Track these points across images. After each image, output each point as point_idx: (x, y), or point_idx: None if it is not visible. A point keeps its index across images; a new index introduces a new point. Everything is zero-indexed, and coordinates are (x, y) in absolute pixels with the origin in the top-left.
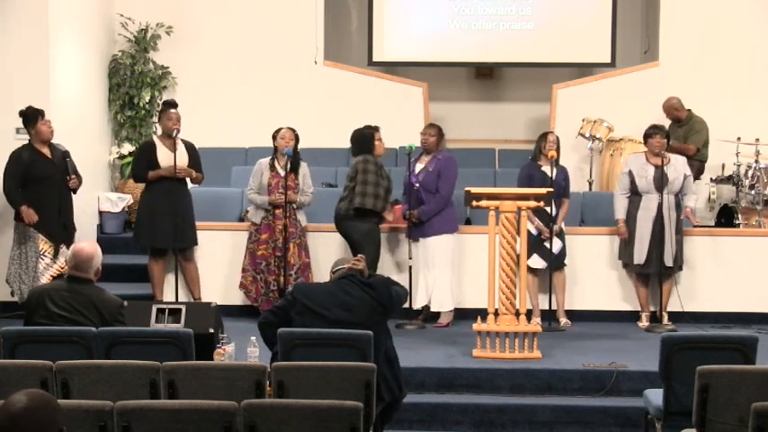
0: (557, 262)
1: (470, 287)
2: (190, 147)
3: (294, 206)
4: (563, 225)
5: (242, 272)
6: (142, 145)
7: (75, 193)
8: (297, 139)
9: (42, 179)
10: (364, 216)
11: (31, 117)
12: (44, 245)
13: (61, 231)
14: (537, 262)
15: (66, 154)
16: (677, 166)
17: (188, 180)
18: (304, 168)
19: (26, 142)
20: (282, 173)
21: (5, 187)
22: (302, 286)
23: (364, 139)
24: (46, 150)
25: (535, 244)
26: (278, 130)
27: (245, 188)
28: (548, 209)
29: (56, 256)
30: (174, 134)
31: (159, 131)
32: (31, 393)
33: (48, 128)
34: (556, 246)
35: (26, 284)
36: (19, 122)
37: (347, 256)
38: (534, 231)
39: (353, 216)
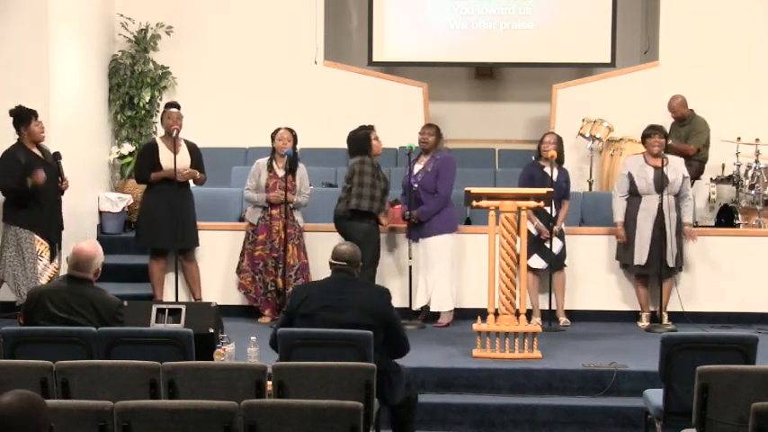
0: (557, 262)
1: (470, 287)
2: (193, 147)
3: (291, 206)
4: (563, 226)
5: (240, 273)
6: (144, 146)
7: (62, 194)
8: (295, 139)
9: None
10: (362, 216)
11: (25, 117)
12: (40, 246)
13: (55, 232)
14: (537, 262)
15: (57, 155)
16: (676, 167)
17: (191, 181)
18: (302, 170)
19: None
20: (281, 173)
21: (7, 187)
22: (295, 299)
23: (360, 140)
24: (36, 151)
25: (535, 244)
26: (276, 131)
27: (246, 188)
28: (548, 209)
29: (53, 257)
30: (173, 133)
31: (162, 132)
32: (20, 394)
33: (40, 129)
34: (556, 246)
35: (25, 286)
36: None
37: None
38: (534, 231)
39: (352, 217)
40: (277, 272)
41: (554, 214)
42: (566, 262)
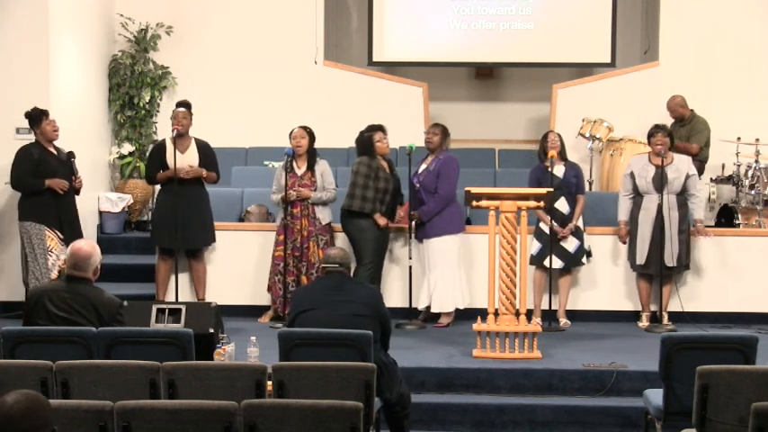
0: (574, 261)
1: (470, 287)
2: (203, 146)
3: (309, 202)
4: (581, 223)
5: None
6: (153, 147)
7: (78, 194)
8: (311, 136)
9: (52, 177)
10: (361, 214)
11: (36, 117)
12: (51, 241)
13: (68, 227)
14: (555, 262)
15: (71, 154)
16: (680, 166)
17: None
18: (322, 166)
19: (31, 141)
20: (300, 172)
21: (18, 179)
22: (296, 301)
23: (363, 142)
24: (52, 149)
25: (552, 244)
26: (292, 130)
27: (246, 188)
28: (562, 208)
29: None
30: (173, 133)
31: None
32: (25, 394)
33: (52, 128)
34: (572, 245)
35: (40, 282)
36: (19, 122)
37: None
38: (548, 231)
39: (348, 214)
40: (299, 270)
41: (567, 212)
42: (584, 260)
